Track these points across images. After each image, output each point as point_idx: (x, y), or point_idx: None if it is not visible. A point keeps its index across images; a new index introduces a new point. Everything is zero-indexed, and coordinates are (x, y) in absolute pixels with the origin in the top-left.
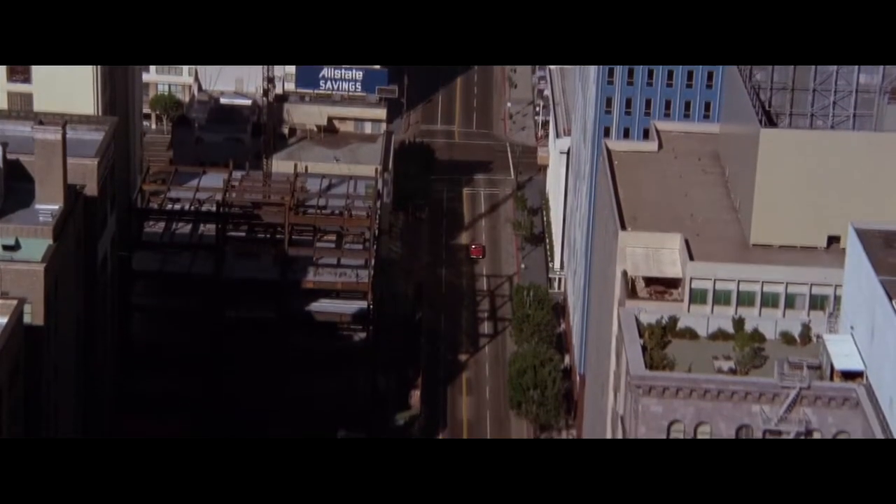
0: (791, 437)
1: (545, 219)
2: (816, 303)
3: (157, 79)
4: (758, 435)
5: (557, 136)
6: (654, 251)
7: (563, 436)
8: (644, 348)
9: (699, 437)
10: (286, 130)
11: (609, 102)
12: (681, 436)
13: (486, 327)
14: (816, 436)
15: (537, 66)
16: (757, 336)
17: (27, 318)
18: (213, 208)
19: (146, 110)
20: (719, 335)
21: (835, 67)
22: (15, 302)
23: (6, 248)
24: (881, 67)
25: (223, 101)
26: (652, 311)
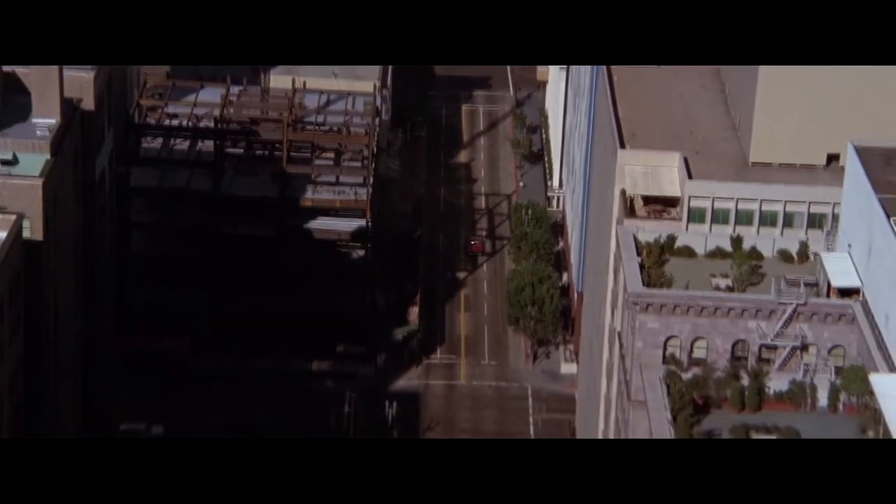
0: (786, 351)
1: (544, 136)
2: (814, 221)
3: None
4: (754, 350)
5: None
6: (652, 169)
7: (561, 351)
8: (642, 266)
9: (695, 352)
10: None
11: None
12: (677, 352)
13: (484, 245)
14: (812, 350)
15: None
16: (754, 254)
17: (26, 234)
18: (211, 124)
19: None
20: (717, 253)
21: None
22: (14, 217)
23: (4, 162)
24: None
25: None
26: (650, 230)
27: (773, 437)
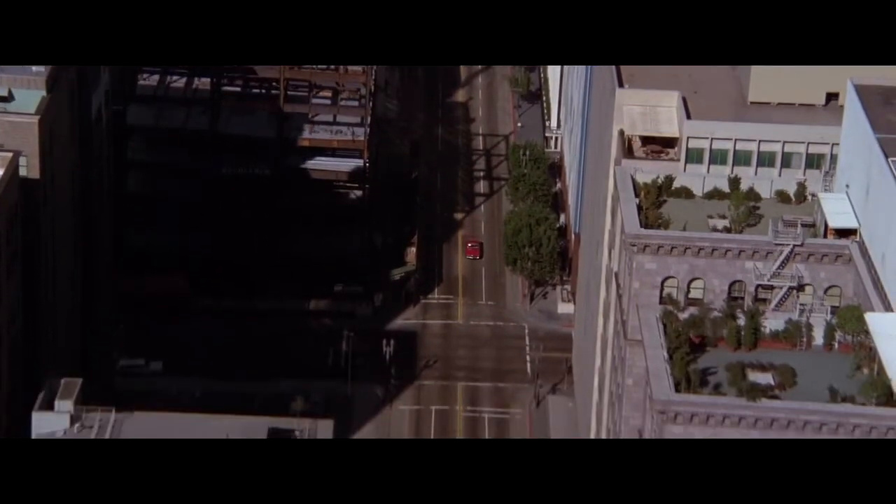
0: (783, 291)
1: (542, 76)
2: (813, 161)
3: None
4: (750, 290)
5: None
6: (651, 109)
7: (558, 291)
8: (639, 207)
9: (692, 292)
10: None
11: None
12: (674, 292)
13: (481, 186)
14: (808, 290)
15: None
16: (752, 195)
17: (23, 171)
18: None
19: None
20: (715, 194)
21: None
22: (10, 154)
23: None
24: None
25: None
26: (648, 170)
27: (769, 374)
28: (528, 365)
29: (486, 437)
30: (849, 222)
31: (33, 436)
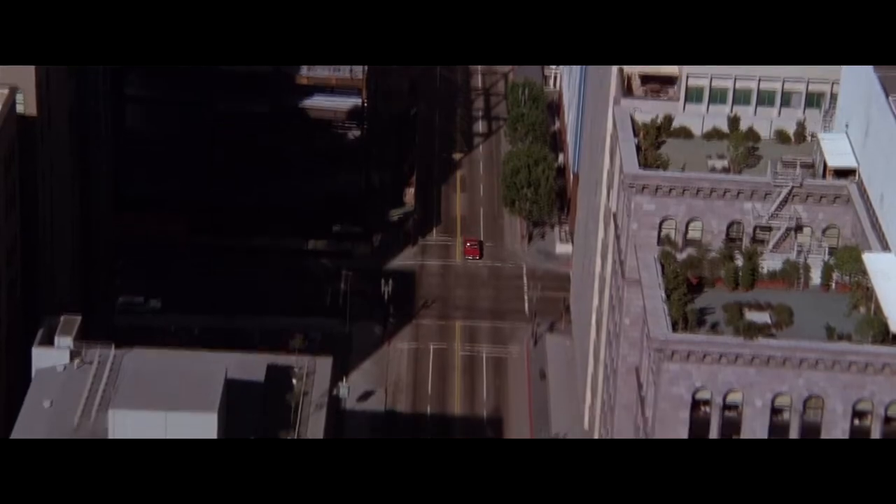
0: (781, 232)
1: None
2: (812, 100)
3: None
4: (748, 231)
5: None
6: None
7: (556, 231)
8: (638, 147)
9: (690, 233)
10: None
11: None
12: (672, 233)
13: (480, 126)
14: (806, 231)
15: None
16: (752, 135)
17: (20, 108)
18: None
19: None
20: (714, 134)
21: None
22: (7, 90)
23: None
24: None
25: None
26: (647, 110)
27: (766, 313)
28: (526, 304)
29: (484, 374)
30: (847, 162)
31: (34, 371)
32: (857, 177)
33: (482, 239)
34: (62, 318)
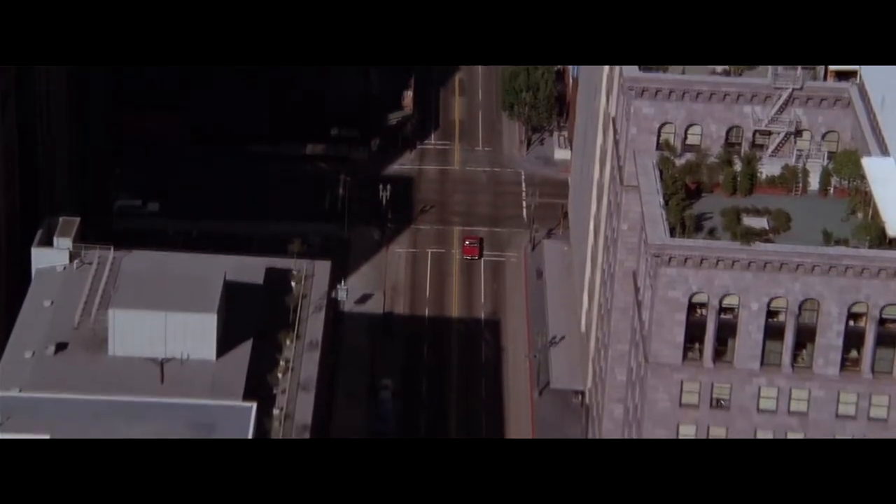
0: (780, 136)
1: None
2: None
3: None
4: (747, 136)
5: None
6: None
7: (554, 137)
8: None
9: (689, 138)
10: None
11: None
12: (671, 138)
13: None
14: (805, 136)
15: None
16: None
17: None
18: None
19: None
20: None
21: None
22: None
23: None
24: None
25: None
26: None
27: (764, 219)
28: (524, 210)
29: (482, 278)
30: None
31: (33, 271)
32: (858, 79)
33: (481, 146)
34: (61, 219)
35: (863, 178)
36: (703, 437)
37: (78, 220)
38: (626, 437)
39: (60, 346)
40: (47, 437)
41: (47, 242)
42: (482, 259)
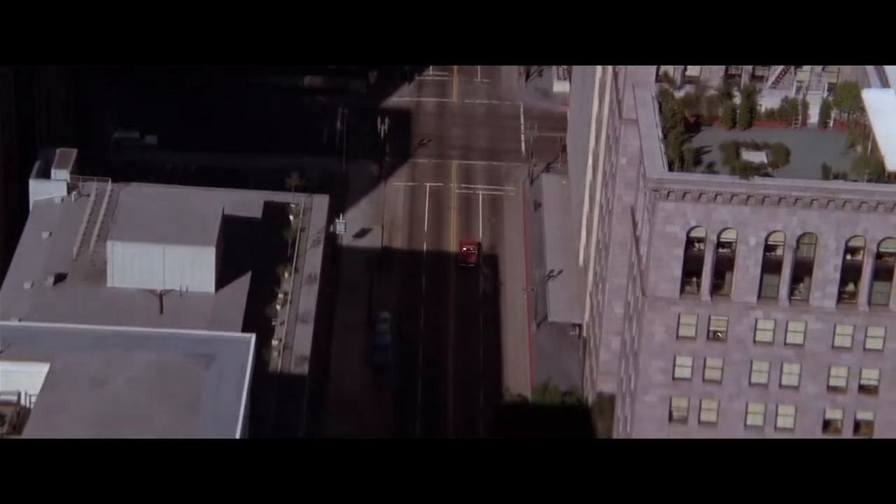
0: (780, 68)
1: None
2: None
3: None
4: (747, 67)
5: None
6: None
7: (553, 69)
8: None
9: (689, 70)
10: None
11: None
12: (671, 70)
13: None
14: (805, 67)
15: None
16: None
17: None
18: None
19: None
20: None
21: None
22: None
23: None
24: None
25: None
26: None
27: (763, 152)
28: (523, 144)
29: (480, 213)
30: None
31: (31, 203)
32: None
33: (479, 78)
34: (58, 151)
35: (862, 110)
36: (700, 367)
37: (75, 151)
38: (622, 368)
39: (59, 278)
40: (46, 366)
41: (45, 174)
42: (480, 193)
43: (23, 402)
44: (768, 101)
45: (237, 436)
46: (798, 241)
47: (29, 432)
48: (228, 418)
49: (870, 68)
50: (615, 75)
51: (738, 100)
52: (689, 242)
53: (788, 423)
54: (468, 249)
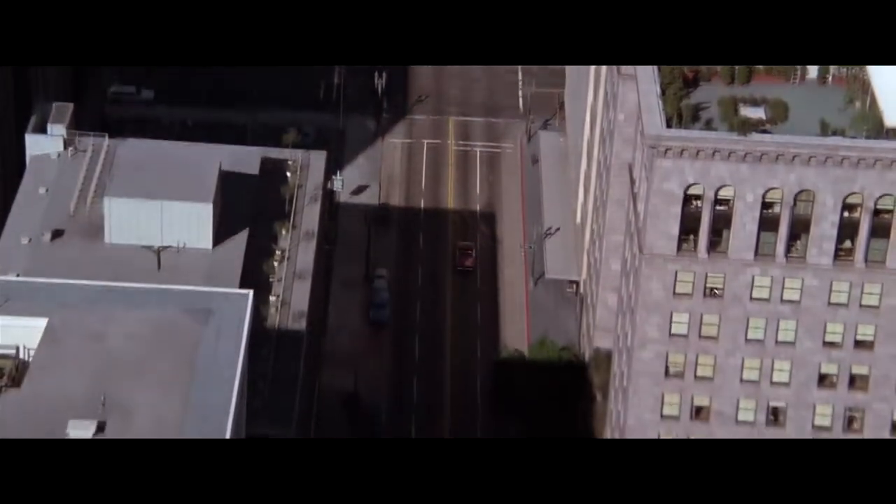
0: None
1: None
2: None
3: None
4: None
5: None
6: None
7: None
8: None
9: None
10: None
11: None
12: None
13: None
14: None
15: None
16: None
17: None
18: None
19: None
20: None
21: None
22: None
23: None
24: None
25: None
26: None
27: (761, 108)
28: (521, 100)
29: (478, 169)
30: None
31: (27, 158)
32: None
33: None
34: (54, 106)
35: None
36: (697, 324)
37: (71, 106)
38: (619, 324)
39: (57, 233)
40: (45, 320)
41: (41, 129)
42: (478, 150)
43: (21, 355)
44: None
45: (235, 392)
46: (795, 198)
47: (28, 385)
48: (226, 373)
49: None
50: None
51: None
52: (687, 199)
53: (784, 377)
54: (464, 252)
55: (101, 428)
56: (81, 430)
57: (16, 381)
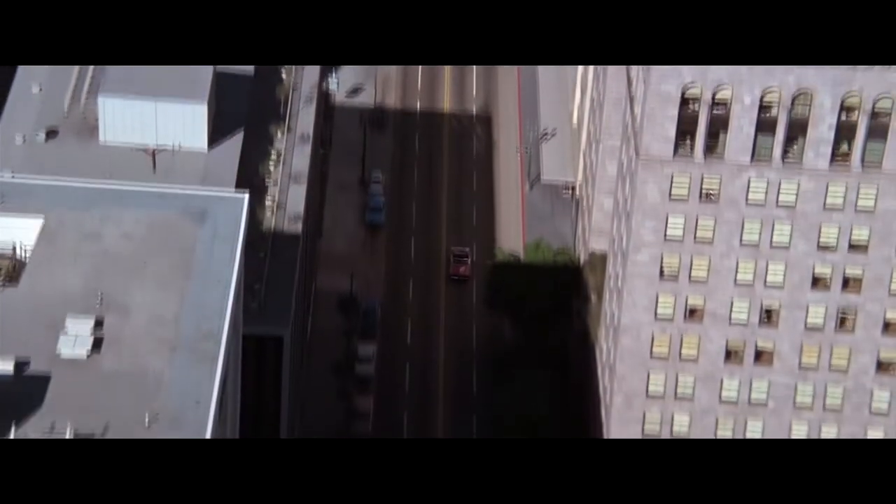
0: None
1: None
2: None
3: None
4: None
5: None
6: None
7: None
8: None
9: None
10: None
11: None
12: None
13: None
14: None
15: None
16: None
17: None
18: None
19: None
20: None
21: None
22: None
23: None
24: None
25: None
26: None
27: None
28: None
29: (474, 72)
30: None
31: None
32: None
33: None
34: None
35: None
36: (692, 227)
37: None
38: (614, 227)
39: (51, 133)
40: (41, 219)
41: None
42: None
43: (18, 254)
44: None
45: (232, 291)
46: (793, 101)
47: (26, 282)
48: (223, 273)
49: None
50: None
51: None
52: (684, 102)
53: (778, 279)
54: (458, 258)
55: (99, 323)
56: (80, 325)
57: (13, 278)
